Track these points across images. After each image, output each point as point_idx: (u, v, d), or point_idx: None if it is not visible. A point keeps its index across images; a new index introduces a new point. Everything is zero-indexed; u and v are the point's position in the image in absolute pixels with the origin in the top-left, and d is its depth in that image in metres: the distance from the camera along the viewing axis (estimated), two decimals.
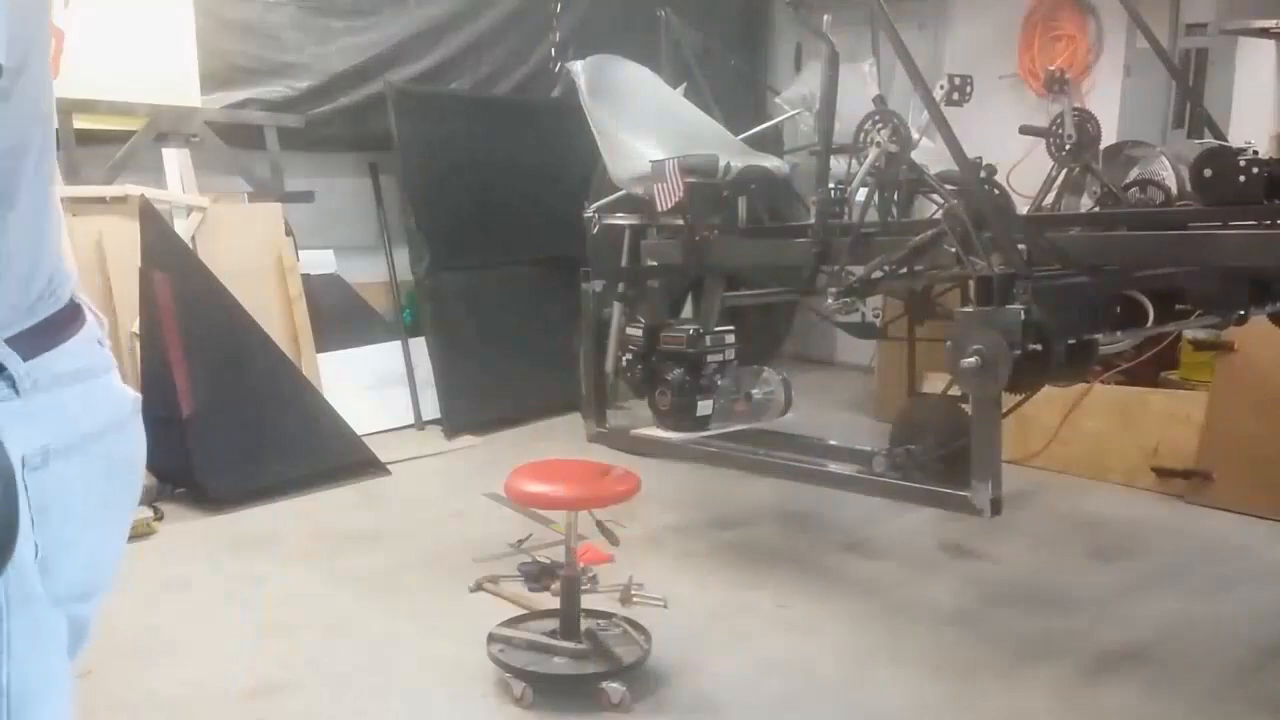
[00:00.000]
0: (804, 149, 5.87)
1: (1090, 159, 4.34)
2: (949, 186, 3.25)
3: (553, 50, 6.18)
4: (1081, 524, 4.20)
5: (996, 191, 3.34)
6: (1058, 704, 2.81)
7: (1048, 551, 3.90)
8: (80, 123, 4.66)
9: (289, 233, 5.15)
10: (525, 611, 3.11)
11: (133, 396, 1.24)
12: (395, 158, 5.49)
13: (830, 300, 3.29)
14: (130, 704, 2.76)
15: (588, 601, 3.24)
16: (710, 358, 3.60)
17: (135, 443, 1.25)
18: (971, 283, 2.87)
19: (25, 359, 1.05)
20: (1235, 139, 3.82)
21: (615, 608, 3.22)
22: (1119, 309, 2.99)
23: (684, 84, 4.91)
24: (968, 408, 2.90)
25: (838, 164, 3.55)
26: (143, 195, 4.56)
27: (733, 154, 3.80)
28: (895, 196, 3.64)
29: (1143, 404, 4.65)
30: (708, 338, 3.61)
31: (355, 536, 3.98)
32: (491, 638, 2.89)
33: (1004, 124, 4.95)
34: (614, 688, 2.71)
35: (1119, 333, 3.04)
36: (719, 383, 3.66)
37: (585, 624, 2.91)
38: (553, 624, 2.91)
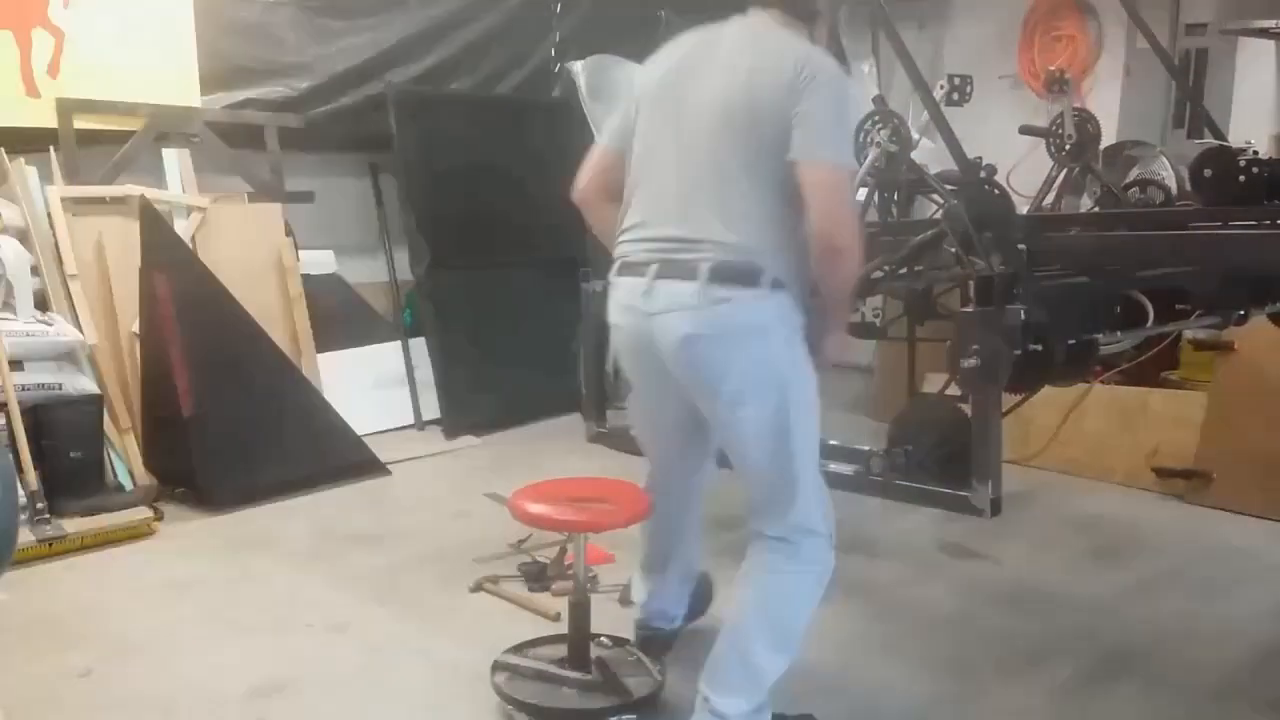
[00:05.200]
0: None
1: (1090, 159, 4.34)
2: (949, 186, 3.25)
3: (553, 50, 6.17)
4: (1081, 524, 4.20)
5: (996, 191, 3.33)
6: (1058, 704, 2.81)
7: (1048, 552, 3.90)
8: (80, 123, 4.66)
9: (289, 233, 5.15)
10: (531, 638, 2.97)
11: None
12: (395, 158, 5.49)
13: None
14: (130, 704, 2.76)
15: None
16: None
17: None
18: (971, 283, 2.87)
19: None
20: (1235, 139, 3.82)
21: (615, 608, 3.22)
22: (1119, 309, 3.00)
23: None
24: (967, 408, 2.90)
25: None
26: (143, 195, 4.56)
27: None
28: (895, 196, 3.65)
29: (1143, 404, 4.65)
30: None
31: (355, 536, 3.98)
32: (497, 666, 2.79)
33: (1004, 124, 4.95)
34: None
35: (1119, 333, 3.04)
36: None
37: (596, 652, 2.79)
38: (561, 650, 2.79)
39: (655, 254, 2.36)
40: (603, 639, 2.88)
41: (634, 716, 2.59)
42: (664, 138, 2.42)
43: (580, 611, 2.72)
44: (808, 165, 2.22)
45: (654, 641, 2.94)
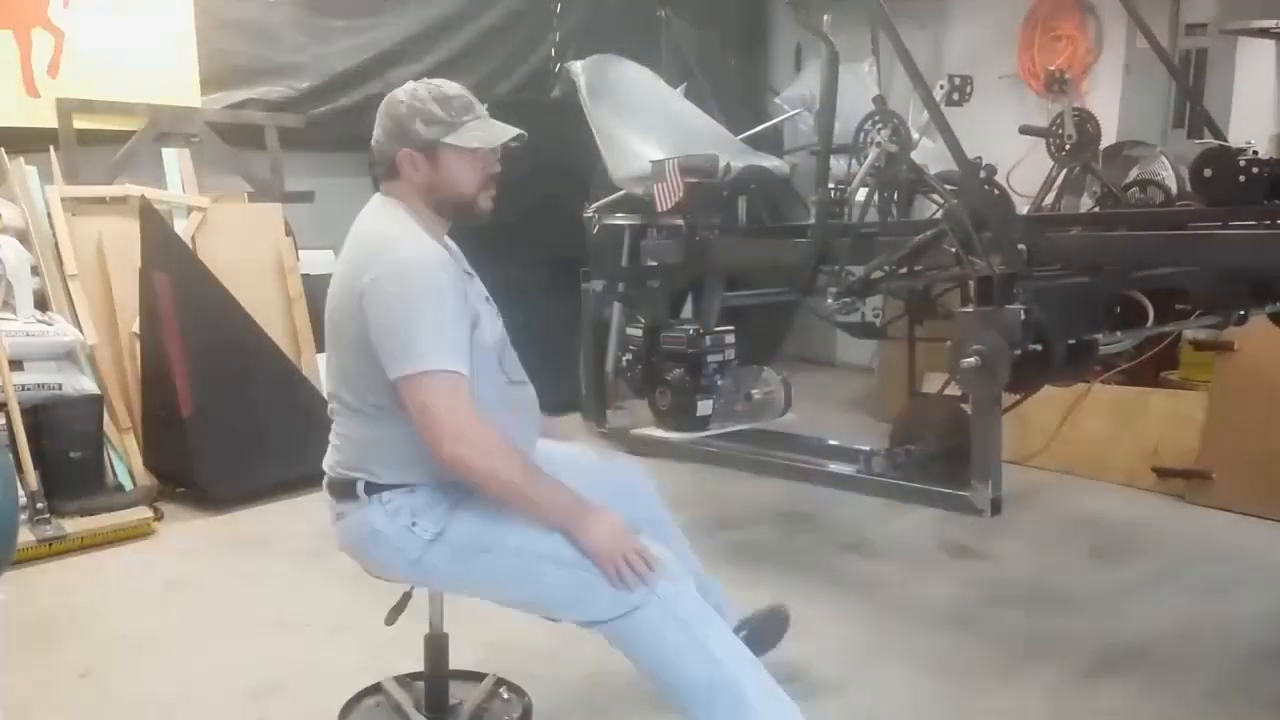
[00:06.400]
0: (804, 149, 5.89)
1: (1090, 159, 4.35)
2: (949, 186, 3.25)
3: (553, 50, 6.18)
4: (1081, 524, 4.20)
5: (996, 191, 3.34)
6: (1058, 704, 2.81)
7: (1048, 551, 3.90)
8: (80, 123, 4.66)
9: (289, 233, 5.15)
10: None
11: None
12: None
13: (830, 300, 3.28)
14: (130, 704, 2.76)
15: None
16: (710, 358, 3.61)
17: None
18: (971, 283, 2.87)
19: None
20: (1235, 139, 3.82)
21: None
22: (1119, 309, 2.99)
23: (684, 84, 4.91)
24: (968, 408, 2.90)
25: (838, 164, 3.55)
26: (143, 195, 4.56)
27: (733, 154, 3.80)
28: (895, 196, 3.64)
29: (1143, 404, 4.65)
30: (708, 338, 3.61)
31: None
32: (379, 688, 2.66)
33: (1004, 124, 4.95)
34: None
35: (1119, 333, 3.04)
36: (719, 383, 3.67)
37: (464, 696, 2.60)
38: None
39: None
40: (503, 689, 2.70)
41: None
42: None
43: (436, 652, 2.51)
44: (401, 384, 2.01)
45: None
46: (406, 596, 2.47)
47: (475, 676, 2.73)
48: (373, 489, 2.13)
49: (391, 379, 2.01)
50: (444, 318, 2.04)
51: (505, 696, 2.69)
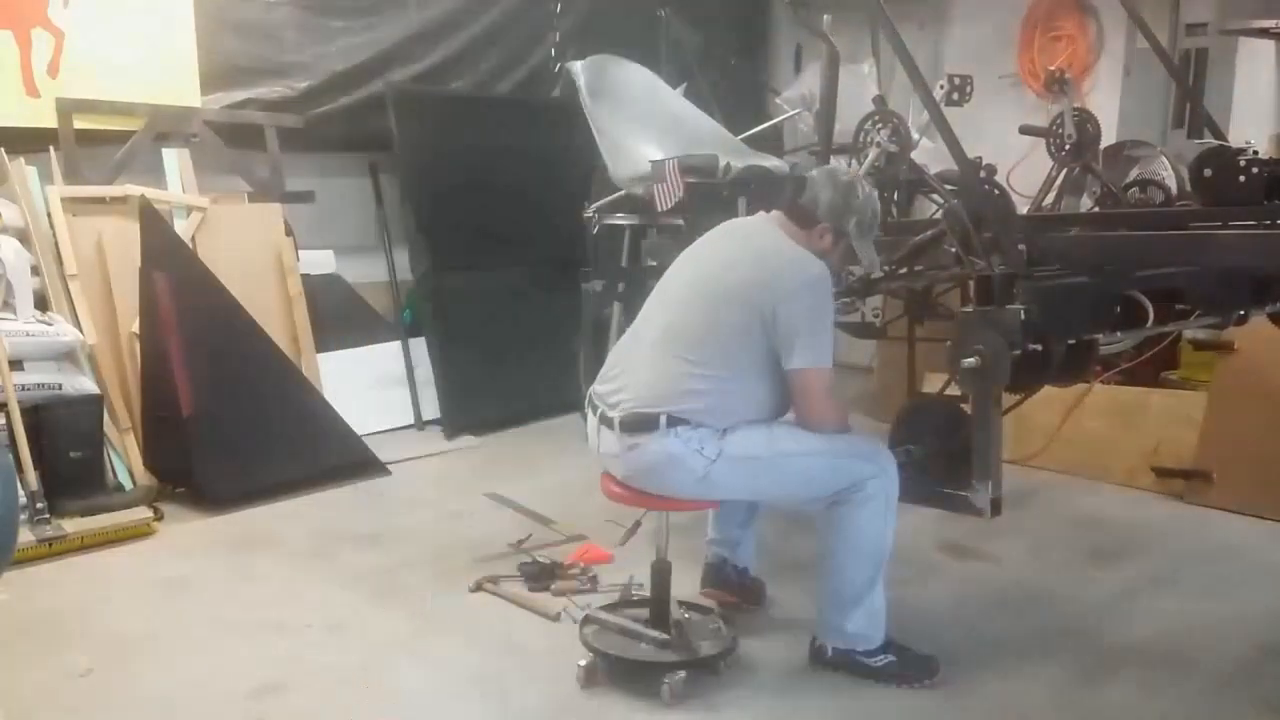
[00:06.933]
0: (804, 149, 5.89)
1: (1090, 159, 4.35)
2: (949, 186, 3.25)
3: (553, 50, 6.18)
4: (1081, 524, 4.20)
5: (996, 191, 3.34)
6: (1058, 704, 2.81)
7: (1048, 552, 3.90)
8: (80, 123, 4.66)
9: (289, 233, 5.15)
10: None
11: None
12: (395, 158, 5.49)
13: None
14: (130, 704, 2.76)
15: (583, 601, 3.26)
16: None
17: None
18: (971, 283, 2.87)
19: None
20: (1235, 139, 3.82)
21: None
22: (1119, 309, 2.99)
23: (684, 84, 4.91)
24: (968, 408, 2.90)
25: (838, 164, 3.55)
26: (143, 195, 4.56)
27: (733, 154, 3.81)
28: (895, 196, 3.65)
29: (1143, 404, 4.65)
30: None
31: (355, 536, 3.98)
32: (587, 620, 3.00)
33: (1004, 124, 4.95)
34: (676, 680, 2.76)
35: (1119, 333, 3.04)
36: None
37: (678, 616, 2.98)
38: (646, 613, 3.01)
39: (599, 401, 2.83)
40: (685, 610, 3.08)
41: (684, 673, 2.78)
42: (648, 308, 2.90)
43: (660, 577, 2.93)
44: (792, 372, 2.69)
45: (720, 572, 3.30)
46: (637, 524, 3.10)
47: (693, 606, 3.14)
48: (673, 422, 2.66)
49: (792, 367, 2.67)
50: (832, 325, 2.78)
51: (714, 627, 3.03)
